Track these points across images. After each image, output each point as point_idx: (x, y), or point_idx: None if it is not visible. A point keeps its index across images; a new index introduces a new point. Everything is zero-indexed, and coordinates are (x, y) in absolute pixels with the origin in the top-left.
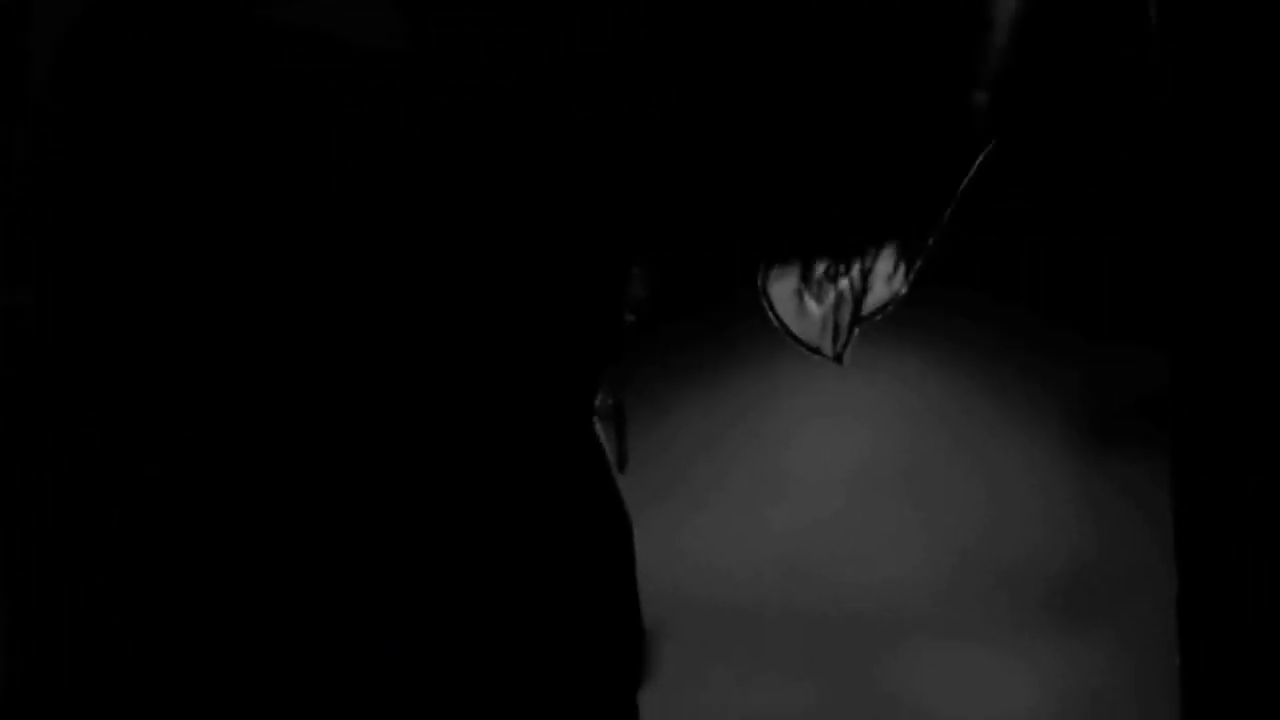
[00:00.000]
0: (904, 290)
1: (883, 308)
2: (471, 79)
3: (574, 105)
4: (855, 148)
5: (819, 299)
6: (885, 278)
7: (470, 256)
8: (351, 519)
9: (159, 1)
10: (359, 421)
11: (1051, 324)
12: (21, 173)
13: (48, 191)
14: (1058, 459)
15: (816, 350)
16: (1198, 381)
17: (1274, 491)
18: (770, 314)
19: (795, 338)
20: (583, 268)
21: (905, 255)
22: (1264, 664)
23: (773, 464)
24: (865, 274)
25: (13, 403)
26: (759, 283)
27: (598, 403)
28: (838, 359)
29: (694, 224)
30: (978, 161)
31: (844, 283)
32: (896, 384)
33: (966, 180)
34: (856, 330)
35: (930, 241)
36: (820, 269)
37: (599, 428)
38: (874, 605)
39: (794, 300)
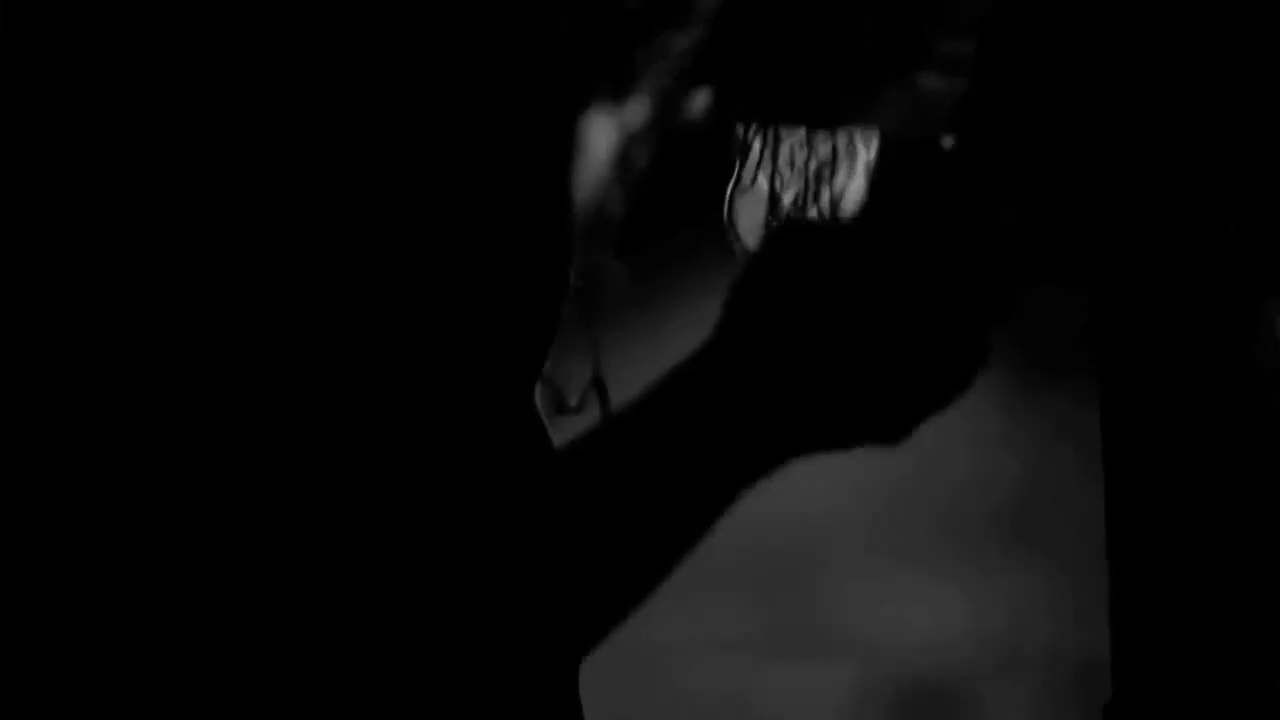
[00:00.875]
0: None
1: None
2: (469, 79)
3: (569, 102)
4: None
5: None
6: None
7: (461, 255)
8: (326, 516)
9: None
10: (346, 429)
11: None
12: (16, 172)
13: (40, 189)
14: (987, 388)
15: None
16: (1120, 307)
17: (1198, 411)
18: (736, 246)
19: None
20: (555, 260)
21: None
22: (1192, 580)
23: None
24: (834, 204)
25: (8, 402)
26: (725, 214)
27: (575, 378)
28: None
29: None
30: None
31: (813, 212)
32: None
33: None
34: None
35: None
36: (789, 199)
37: (567, 402)
38: (809, 538)
39: (762, 231)
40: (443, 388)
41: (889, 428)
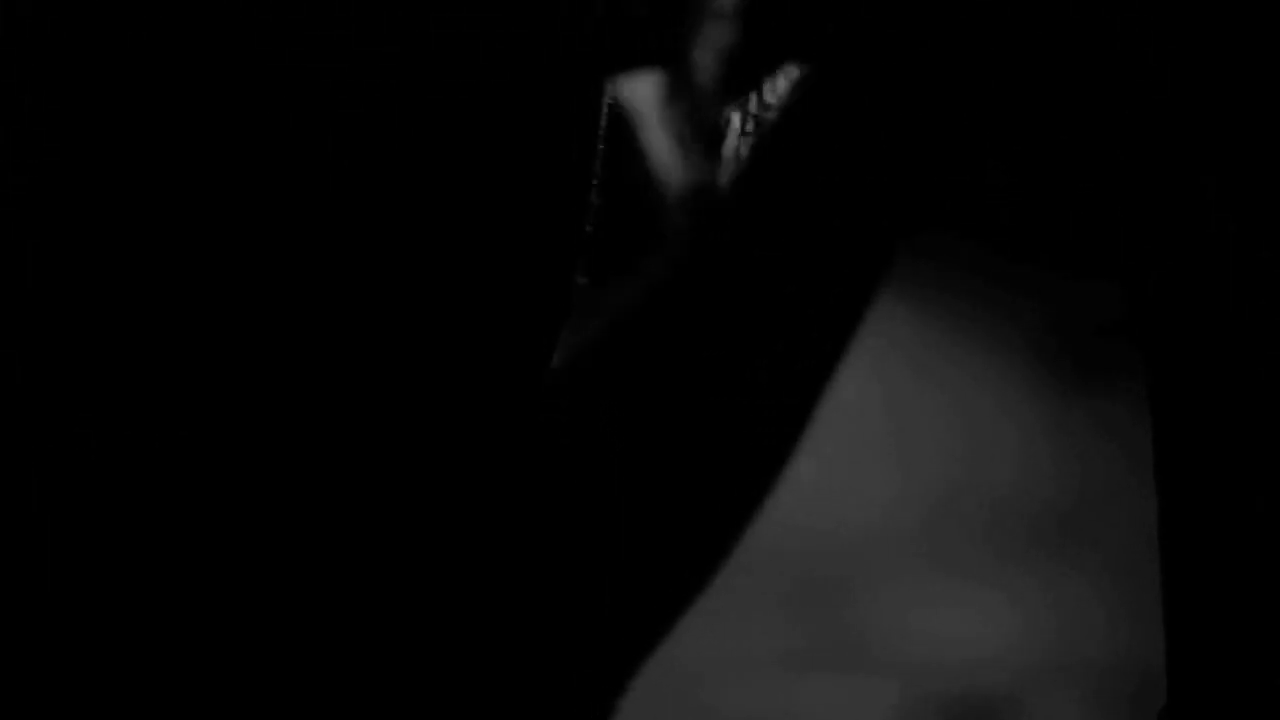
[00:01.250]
0: None
1: None
2: (469, 79)
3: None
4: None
5: None
6: None
7: (461, 255)
8: (338, 517)
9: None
10: (345, 429)
11: (1008, 258)
12: (16, 172)
13: (43, 190)
14: (1028, 392)
15: None
16: (1168, 305)
17: (1255, 403)
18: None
19: None
20: (562, 262)
21: None
22: (1248, 587)
23: None
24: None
25: (8, 402)
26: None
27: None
28: None
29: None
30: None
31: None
32: (866, 327)
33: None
34: None
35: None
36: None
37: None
38: (848, 548)
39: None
40: (447, 386)
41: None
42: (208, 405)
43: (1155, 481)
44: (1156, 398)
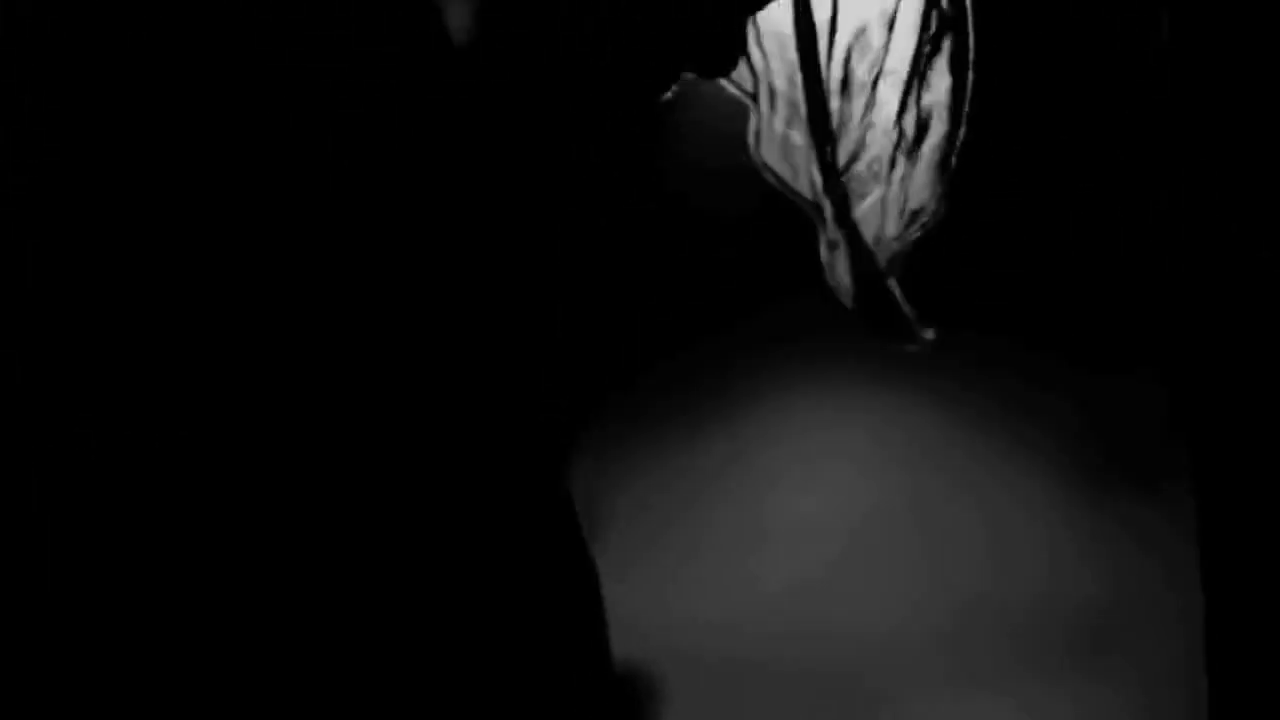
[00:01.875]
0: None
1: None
2: (469, 79)
3: (571, 105)
4: None
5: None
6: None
7: (465, 261)
8: (334, 527)
9: (155, 2)
10: (343, 429)
11: (1044, 361)
12: (16, 172)
13: (43, 190)
14: (1059, 495)
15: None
16: (1210, 415)
17: None
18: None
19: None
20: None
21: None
22: None
23: (763, 513)
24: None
25: (8, 402)
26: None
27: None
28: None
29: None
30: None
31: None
32: (890, 428)
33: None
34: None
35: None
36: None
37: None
38: (875, 656)
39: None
40: (446, 384)
41: None
42: (208, 405)
43: (1202, 587)
44: (1203, 500)
